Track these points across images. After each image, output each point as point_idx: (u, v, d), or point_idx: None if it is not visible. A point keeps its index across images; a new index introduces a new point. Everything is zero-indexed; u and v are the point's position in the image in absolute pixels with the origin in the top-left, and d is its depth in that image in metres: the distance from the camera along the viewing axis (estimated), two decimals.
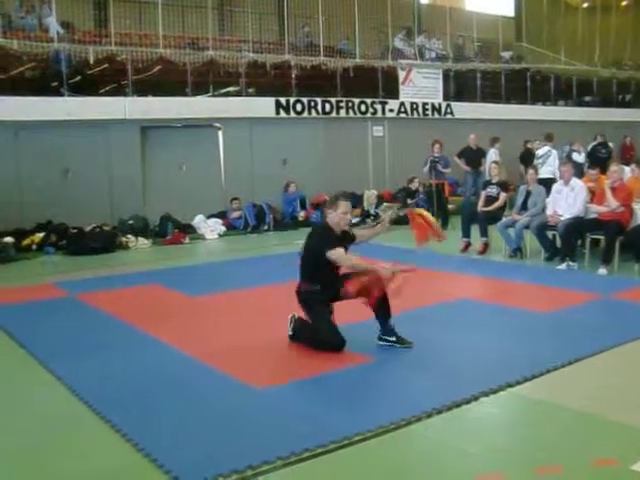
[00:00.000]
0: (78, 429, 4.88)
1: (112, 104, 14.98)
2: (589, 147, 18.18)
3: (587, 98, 25.49)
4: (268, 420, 4.86)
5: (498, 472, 4.05)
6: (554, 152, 15.87)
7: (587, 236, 10.56)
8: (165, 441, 4.53)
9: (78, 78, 15.18)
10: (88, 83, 15.36)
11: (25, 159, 14.09)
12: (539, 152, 16.10)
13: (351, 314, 6.87)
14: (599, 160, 15.92)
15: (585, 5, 27.20)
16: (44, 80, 15.04)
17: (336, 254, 6.25)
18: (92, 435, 4.74)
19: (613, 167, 10.57)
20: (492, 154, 17.32)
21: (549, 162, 15.56)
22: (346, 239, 6.58)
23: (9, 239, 12.76)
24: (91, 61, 14.87)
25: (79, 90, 14.85)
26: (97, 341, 7.08)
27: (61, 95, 14.56)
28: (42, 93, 14.36)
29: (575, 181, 10.89)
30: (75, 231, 13.48)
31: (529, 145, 18.53)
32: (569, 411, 4.91)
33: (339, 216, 6.37)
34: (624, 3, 27.91)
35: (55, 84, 14.79)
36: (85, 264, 12.00)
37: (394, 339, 6.43)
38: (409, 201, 16.56)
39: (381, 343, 6.48)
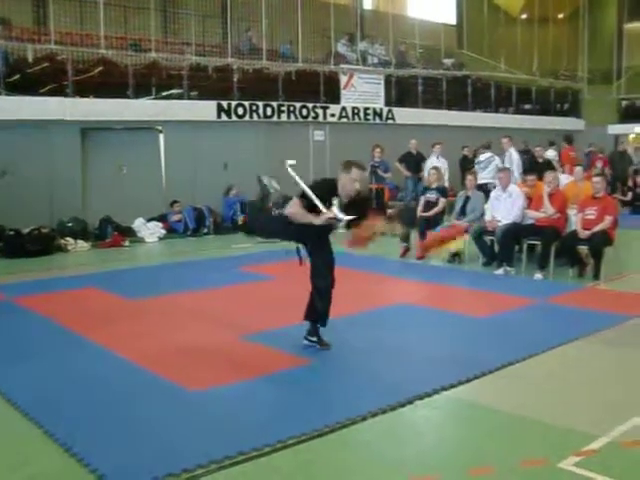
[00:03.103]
0: (10, 435, 4.81)
1: (52, 104, 14.66)
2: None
3: (527, 106, 25.95)
4: (201, 423, 4.87)
5: (432, 475, 4.12)
6: (497, 159, 15.96)
7: (524, 241, 10.76)
8: (99, 445, 4.49)
9: (17, 77, 14.88)
10: (27, 82, 15.03)
11: None
12: (481, 157, 16.23)
13: (291, 316, 6.91)
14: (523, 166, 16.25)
15: (524, 16, 27.77)
16: None
17: (291, 202, 6.45)
18: (25, 441, 4.67)
19: (549, 174, 10.80)
20: (434, 158, 17.33)
21: (490, 168, 15.68)
22: (357, 205, 6.57)
23: None
24: (30, 59, 14.58)
25: (17, 89, 14.55)
26: (32, 345, 6.99)
27: None
28: None
29: (513, 187, 11.09)
30: (12, 233, 13.16)
31: (465, 151, 18.75)
32: (500, 413, 5.02)
33: (348, 180, 6.57)
34: (560, 16, 28.58)
35: None
36: (22, 267, 11.79)
37: (315, 339, 6.57)
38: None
39: (305, 342, 6.59)
